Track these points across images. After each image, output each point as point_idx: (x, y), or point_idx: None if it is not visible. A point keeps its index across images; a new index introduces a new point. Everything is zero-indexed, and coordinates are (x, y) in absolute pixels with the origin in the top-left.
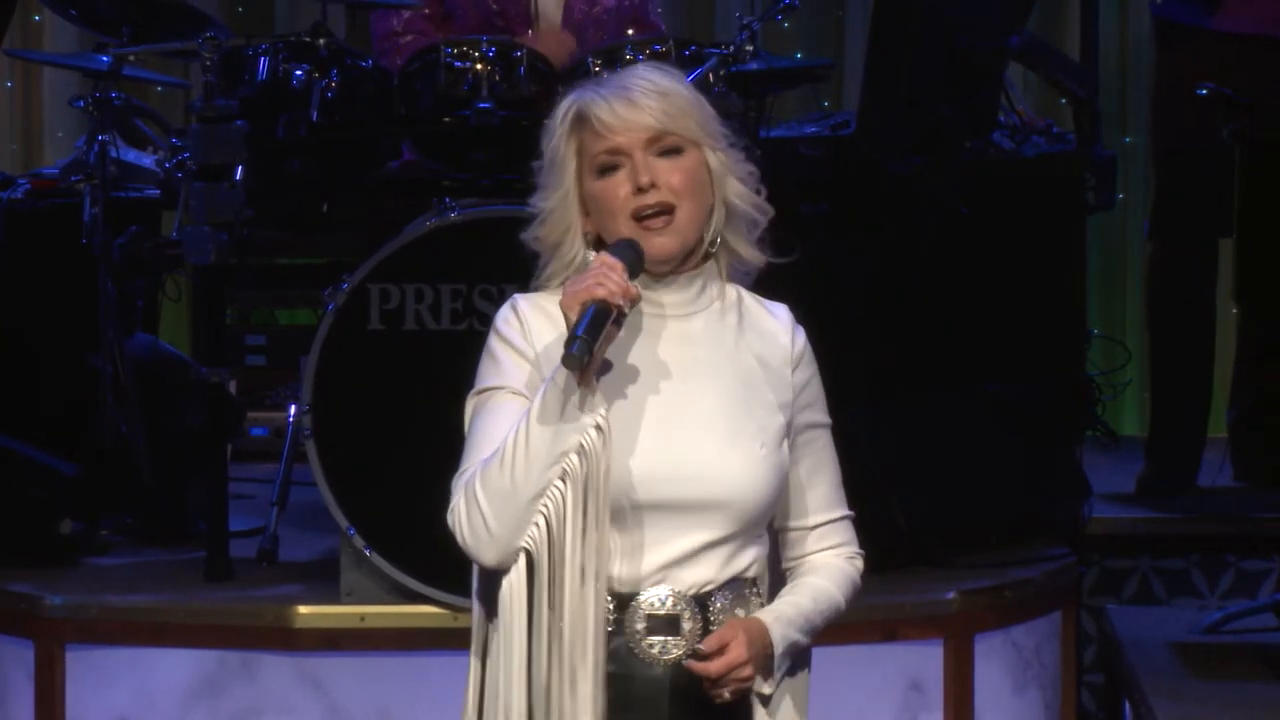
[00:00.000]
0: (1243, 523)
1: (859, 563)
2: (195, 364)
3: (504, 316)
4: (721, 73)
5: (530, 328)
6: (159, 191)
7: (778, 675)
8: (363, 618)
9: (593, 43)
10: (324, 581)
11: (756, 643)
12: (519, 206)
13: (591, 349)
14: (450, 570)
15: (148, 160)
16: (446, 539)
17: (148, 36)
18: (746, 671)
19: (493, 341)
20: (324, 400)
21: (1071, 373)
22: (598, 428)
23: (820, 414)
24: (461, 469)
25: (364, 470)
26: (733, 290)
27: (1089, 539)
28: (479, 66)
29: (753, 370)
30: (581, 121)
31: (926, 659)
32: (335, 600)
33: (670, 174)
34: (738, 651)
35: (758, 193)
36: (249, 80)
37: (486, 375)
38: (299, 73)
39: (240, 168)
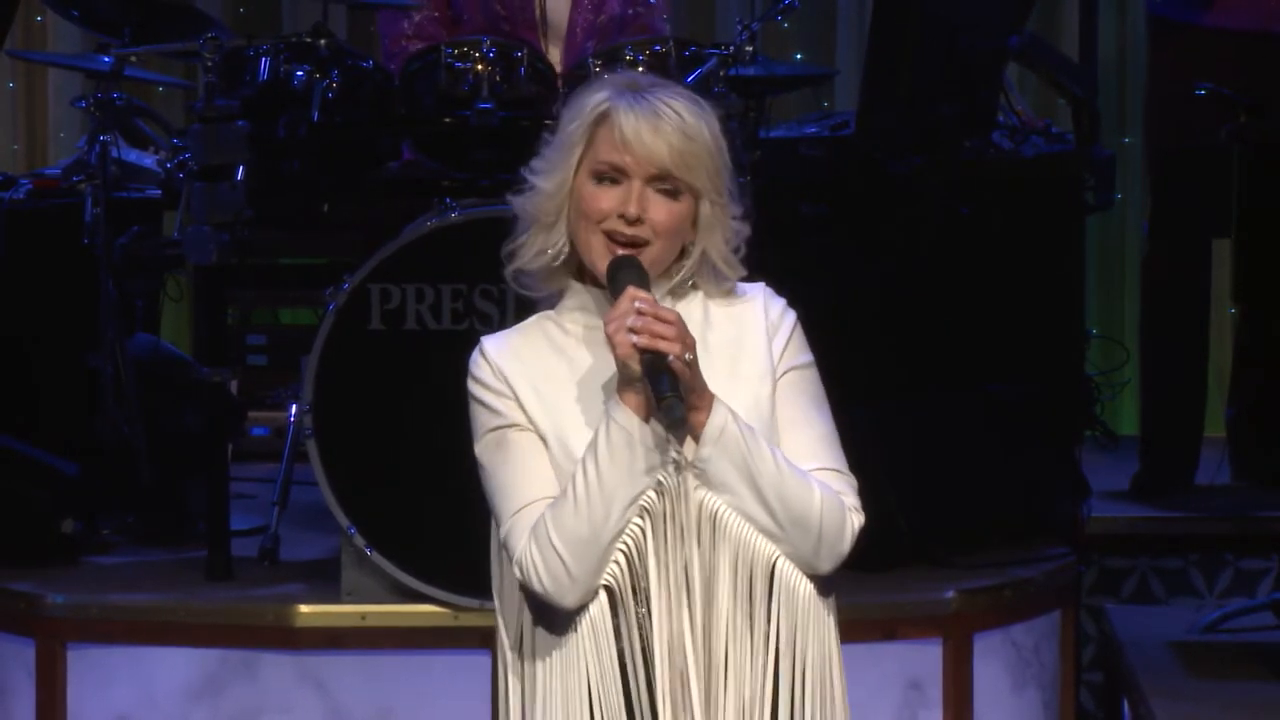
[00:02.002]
0: (1241, 522)
1: (850, 501)
2: (196, 364)
3: (474, 360)
4: (721, 74)
5: (499, 368)
6: (160, 191)
7: (706, 460)
8: (364, 617)
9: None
10: (325, 580)
11: (698, 375)
12: None
13: (684, 405)
14: (451, 569)
15: (149, 160)
16: (448, 538)
17: (149, 37)
18: (671, 329)
19: (474, 389)
20: (325, 400)
21: (1070, 373)
22: (675, 464)
23: (797, 357)
24: (513, 509)
25: (365, 470)
26: (696, 291)
27: (1088, 538)
28: (479, 67)
29: (726, 354)
30: (603, 121)
31: (926, 658)
32: (336, 599)
33: (659, 211)
34: (672, 316)
35: (736, 251)
36: (250, 80)
37: (484, 419)
38: (300, 73)
39: (241, 168)
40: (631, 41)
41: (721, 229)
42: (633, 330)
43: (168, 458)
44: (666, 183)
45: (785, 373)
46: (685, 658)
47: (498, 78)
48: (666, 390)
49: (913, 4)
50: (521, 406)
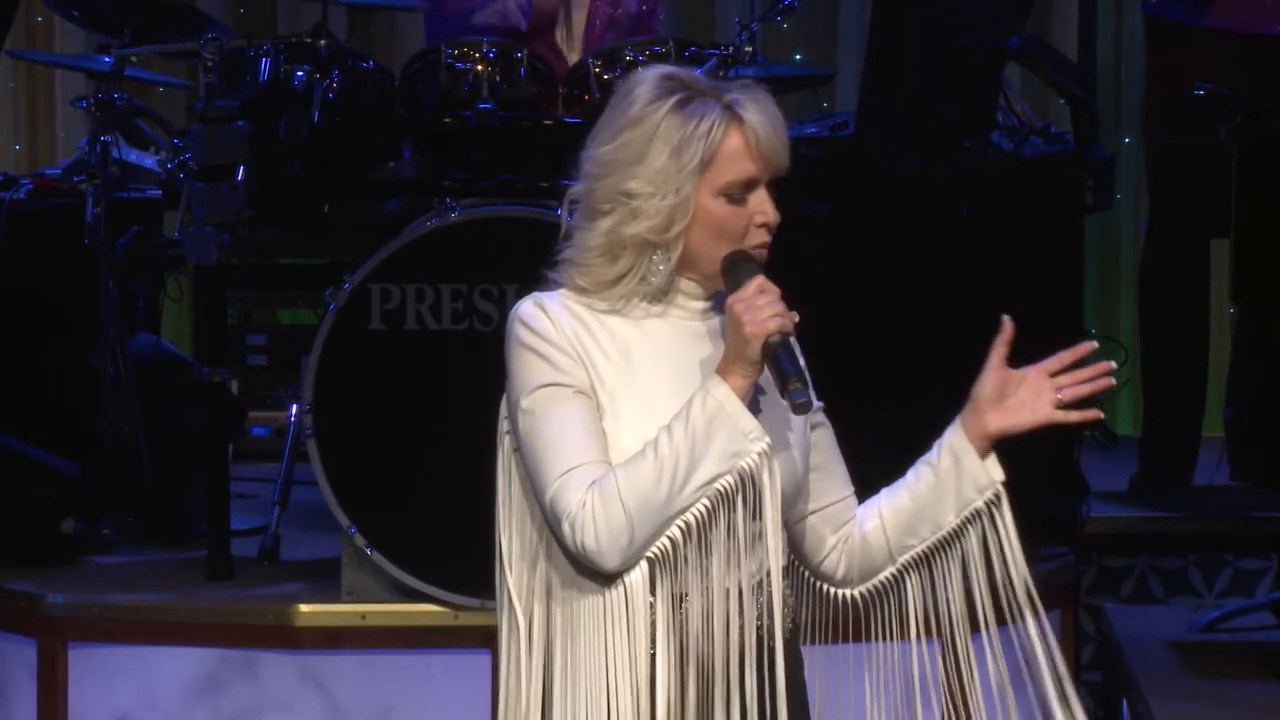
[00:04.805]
0: (1240, 521)
1: None
2: (196, 364)
3: (530, 314)
4: (721, 74)
5: (561, 325)
6: (161, 192)
7: None
8: (363, 616)
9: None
10: (325, 580)
11: None
12: (519, 206)
13: (808, 384)
14: (451, 569)
15: (149, 160)
16: (448, 537)
17: (149, 37)
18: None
19: (530, 340)
20: (325, 400)
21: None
22: (761, 454)
23: (816, 396)
24: (567, 465)
25: (365, 469)
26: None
27: (1087, 538)
28: (479, 67)
29: None
30: (729, 134)
31: (925, 657)
32: (336, 599)
33: (775, 212)
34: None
35: None
36: (250, 81)
37: (537, 372)
38: (300, 73)
39: (241, 168)
40: (632, 41)
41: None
42: (772, 313)
43: (168, 458)
44: (775, 180)
45: (816, 410)
46: (737, 644)
47: (497, 78)
48: (793, 375)
49: (912, 4)
50: (588, 370)
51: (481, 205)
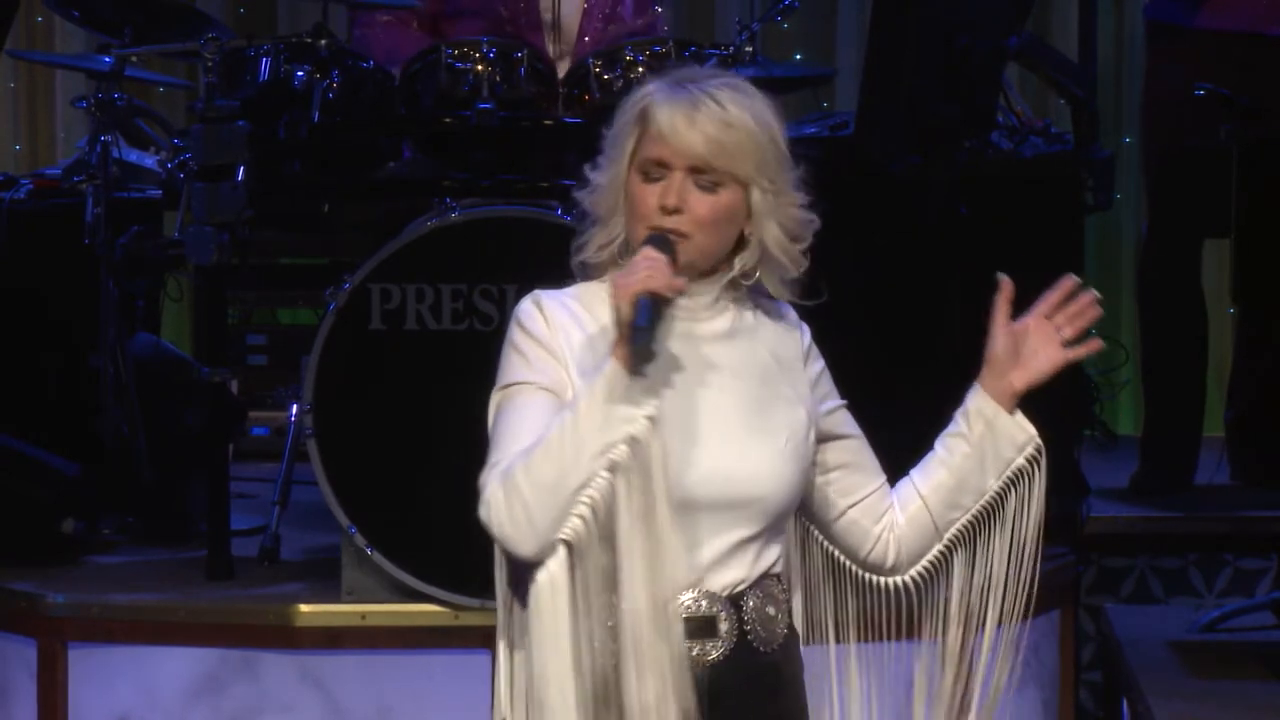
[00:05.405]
0: (1240, 522)
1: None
2: (196, 364)
3: (527, 312)
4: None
5: (555, 325)
6: (161, 192)
7: None
8: (364, 616)
9: None
10: (325, 580)
11: None
12: (519, 206)
13: (653, 339)
14: (451, 569)
15: (150, 160)
16: (448, 537)
17: (150, 37)
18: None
19: (518, 337)
20: (325, 400)
21: (1069, 372)
22: (649, 418)
23: (837, 397)
24: (492, 462)
25: (365, 469)
26: (746, 292)
27: (1087, 538)
28: (479, 67)
29: (770, 367)
30: (644, 117)
31: (924, 657)
32: (336, 599)
33: (699, 204)
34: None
35: (796, 240)
36: (250, 81)
37: (514, 370)
38: (300, 73)
39: (242, 168)
40: (632, 42)
41: (777, 217)
42: (642, 276)
43: (168, 458)
44: (707, 175)
45: (835, 410)
46: (652, 618)
47: (498, 78)
48: (645, 322)
49: (912, 4)
50: (567, 370)
51: (481, 205)
